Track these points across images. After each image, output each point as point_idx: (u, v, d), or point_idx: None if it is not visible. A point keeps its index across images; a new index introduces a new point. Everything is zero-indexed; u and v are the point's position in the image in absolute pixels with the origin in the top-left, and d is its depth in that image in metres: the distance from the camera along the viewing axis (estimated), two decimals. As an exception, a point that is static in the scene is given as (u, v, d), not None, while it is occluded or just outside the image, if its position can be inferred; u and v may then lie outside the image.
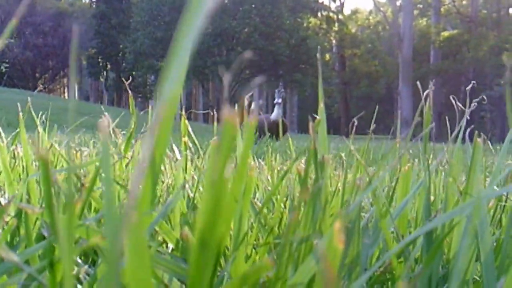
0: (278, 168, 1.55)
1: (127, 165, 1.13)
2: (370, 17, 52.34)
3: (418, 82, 0.89)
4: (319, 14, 43.40)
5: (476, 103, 0.82)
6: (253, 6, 35.46)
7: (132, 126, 1.29)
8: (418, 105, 0.83)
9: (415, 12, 44.49)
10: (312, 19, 42.09)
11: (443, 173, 1.03)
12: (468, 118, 0.82)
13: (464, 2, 46.01)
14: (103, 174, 0.31)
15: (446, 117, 1.00)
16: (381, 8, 47.89)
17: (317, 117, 0.74)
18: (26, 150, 0.95)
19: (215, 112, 1.64)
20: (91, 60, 47.15)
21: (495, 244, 0.76)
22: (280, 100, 9.11)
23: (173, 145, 1.26)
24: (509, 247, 0.67)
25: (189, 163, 1.22)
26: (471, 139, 0.79)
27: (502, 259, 0.67)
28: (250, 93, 0.68)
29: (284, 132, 8.37)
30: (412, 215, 0.94)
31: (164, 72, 0.34)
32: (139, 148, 1.21)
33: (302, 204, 0.63)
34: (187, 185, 1.00)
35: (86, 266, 0.69)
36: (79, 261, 0.72)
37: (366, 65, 46.24)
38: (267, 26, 35.10)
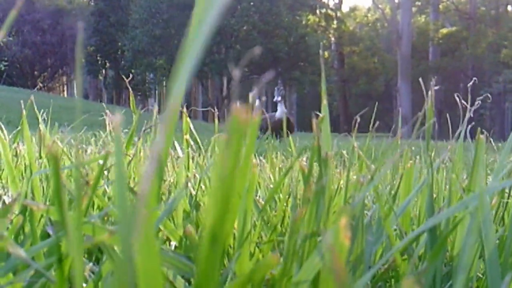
0: (280, 166, 1.55)
1: (129, 163, 1.13)
2: (369, 14, 52.31)
3: (420, 79, 0.89)
4: (317, 11, 43.38)
5: (480, 102, 0.82)
6: (251, 3, 35.43)
7: (134, 124, 1.29)
8: (417, 102, 0.84)
9: (414, 9, 44.48)
10: (310, 17, 42.07)
11: (445, 171, 1.03)
12: (469, 115, 0.82)
13: (462, -1, 46.03)
14: (115, 170, 0.31)
15: (446, 115, 1.00)
16: (380, 5, 47.90)
17: (320, 114, 0.74)
18: (30, 147, 0.95)
19: (215, 110, 1.64)
20: (89, 58, 47.08)
21: (498, 241, 0.76)
22: (279, 98, 9.01)
23: (175, 143, 1.26)
24: (512, 244, 0.67)
25: (190, 161, 1.23)
26: (472, 137, 0.79)
27: (506, 257, 0.67)
28: (254, 91, 0.68)
29: (291, 131, 8.25)
30: (414, 212, 0.95)
31: (174, 71, 0.34)
32: (140, 146, 1.21)
33: (307, 202, 0.63)
34: (189, 183, 1.00)
35: (90, 264, 0.69)
36: (84, 259, 0.73)
37: (365, 62, 46.23)
38: (265, 24, 35.08)
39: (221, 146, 0.32)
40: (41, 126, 1.31)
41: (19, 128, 1.26)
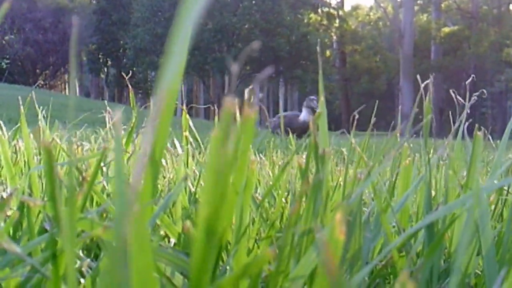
0: (280, 163, 1.55)
1: (128, 159, 1.13)
2: (371, 13, 52.28)
3: (418, 77, 0.89)
4: (319, 10, 43.38)
5: (476, 97, 0.82)
6: (253, 2, 35.43)
7: (133, 120, 1.29)
8: (419, 101, 0.83)
9: (416, 8, 44.45)
10: (312, 15, 42.06)
11: (444, 168, 1.03)
12: (469, 113, 0.82)
13: (465, -2, 45.98)
14: (114, 166, 0.31)
15: (447, 113, 1.00)
16: (382, 4, 47.84)
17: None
18: (28, 144, 0.95)
19: (216, 108, 1.64)
20: (91, 56, 47.12)
21: (496, 238, 0.76)
22: (314, 105, 8.55)
23: (175, 140, 1.26)
24: (510, 240, 0.67)
25: (190, 158, 1.23)
26: (471, 135, 0.79)
27: (503, 253, 0.67)
28: (251, 87, 0.68)
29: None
30: (413, 209, 0.95)
31: (163, 65, 0.34)
32: (140, 143, 1.21)
33: (303, 196, 0.63)
34: (188, 180, 1.00)
35: (88, 260, 0.69)
36: (82, 255, 0.73)
37: (367, 61, 46.20)
38: (267, 22, 35.07)
39: (213, 141, 0.32)
40: (41, 123, 1.31)
41: (19, 125, 1.26)
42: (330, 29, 45.64)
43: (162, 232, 0.92)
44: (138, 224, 0.30)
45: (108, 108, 1.39)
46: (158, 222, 0.80)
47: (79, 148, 1.30)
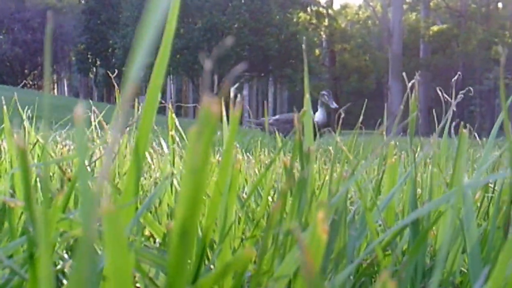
0: (266, 162, 1.55)
1: (113, 159, 1.12)
2: (360, 12, 52.37)
3: (404, 74, 0.89)
4: (308, 9, 43.40)
5: (462, 95, 0.82)
6: (242, 1, 35.42)
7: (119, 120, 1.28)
8: (408, 99, 0.83)
9: (405, 6, 44.53)
10: (301, 14, 42.08)
11: (430, 166, 1.03)
12: (458, 112, 0.82)
13: (453, -3, 46.11)
14: (78, 163, 0.31)
15: (436, 112, 1.00)
16: (371, 3, 47.92)
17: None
18: (11, 144, 0.94)
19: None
20: (80, 56, 46.96)
21: (482, 235, 0.76)
22: (335, 105, 8.20)
23: (161, 139, 1.25)
24: (495, 238, 0.67)
25: (177, 158, 1.22)
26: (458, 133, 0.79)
27: (488, 250, 0.67)
28: (236, 85, 0.67)
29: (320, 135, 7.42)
30: (399, 208, 0.94)
31: (132, 55, 0.33)
32: (126, 142, 1.20)
33: (287, 194, 0.62)
34: (175, 180, 0.99)
35: (71, 261, 0.68)
36: (66, 256, 0.72)
37: (356, 60, 46.29)
38: (256, 22, 35.06)
39: (191, 138, 0.32)
40: (26, 123, 1.30)
41: (3, 125, 1.25)
42: (320, 28, 45.69)
43: (147, 233, 0.91)
44: (111, 221, 0.30)
45: (93, 107, 1.38)
46: (143, 221, 0.79)
47: (64, 148, 1.29)
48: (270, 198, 0.95)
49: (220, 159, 0.86)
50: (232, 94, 0.67)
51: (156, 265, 0.60)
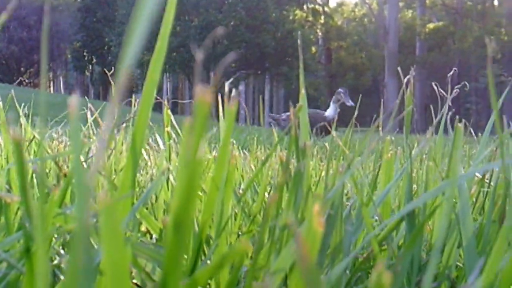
0: (263, 159, 1.55)
1: (109, 156, 1.12)
2: (356, 10, 52.38)
3: (400, 71, 0.89)
4: (305, 6, 43.40)
5: (458, 90, 0.82)
6: (239, -1, 35.41)
7: (115, 117, 1.28)
8: (405, 96, 0.83)
9: (401, 4, 44.57)
10: (298, 12, 42.05)
11: (426, 162, 1.03)
12: (454, 109, 0.82)
13: (449, -6, 46.13)
14: (72, 158, 0.31)
15: (432, 109, 1.00)
16: (367, 0, 47.96)
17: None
18: (7, 140, 0.94)
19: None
20: (76, 54, 46.88)
21: (477, 230, 0.76)
22: (351, 103, 8.01)
23: (157, 135, 1.25)
24: (490, 232, 0.67)
25: (173, 154, 1.22)
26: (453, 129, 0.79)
27: (484, 244, 0.67)
28: (230, 80, 0.68)
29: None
30: (395, 204, 0.94)
31: (124, 51, 0.33)
32: (122, 139, 1.20)
33: (283, 188, 0.63)
34: (171, 176, 0.99)
35: (68, 256, 0.68)
36: (62, 251, 0.72)
37: (352, 57, 46.31)
38: (253, 19, 35.03)
39: (185, 130, 0.32)
40: (22, 120, 1.30)
41: (-1, 122, 1.25)
42: (316, 26, 45.68)
43: (143, 228, 0.91)
44: (108, 214, 0.30)
45: (89, 105, 1.38)
46: (139, 217, 0.80)
47: (60, 145, 1.29)
48: (266, 194, 0.95)
49: (216, 155, 0.86)
50: (227, 89, 0.67)
51: (153, 260, 0.60)
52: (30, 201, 0.37)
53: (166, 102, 1.10)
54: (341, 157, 0.86)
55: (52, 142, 1.52)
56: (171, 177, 0.99)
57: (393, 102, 0.84)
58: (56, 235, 0.69)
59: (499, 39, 37.89)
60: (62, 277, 0.67)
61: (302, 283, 0.36)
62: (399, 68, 0.89)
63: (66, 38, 46.49)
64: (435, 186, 0.77)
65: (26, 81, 47.06)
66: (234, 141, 2.09)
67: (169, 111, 1.08)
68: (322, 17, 45.88)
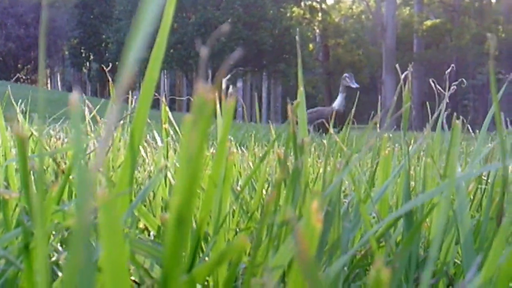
0: (260, 155, 1.55)
1: (107, 152, 1.12)
2: (353, 7, 52.34)
3: (398, 67, 0.89)
4: (302, 3, 43.37)
5: (455, 87, 0.82)
6: (236, -4, 35.38)
7: (114, 114, 1.28)
8: (402, 93, 0.83)
9: (398, 1, 44.56)
10: (295, 9, 42.03)
11: (423, 159, 1.03)
12: (451, 106, 0.82)
13: (446, -9, 46.11)
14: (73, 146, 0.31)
15: (430, 107, 1.00)
16: (364, -2, 47.92)
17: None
18: (4, 136, 0.94)
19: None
20: (73, 50, 46.81)
21: (475, 227, 0.76)
22: (356, 84, 7.84)
23: (155, 132, 1.25)
24: (488, 229, 0.67)
25: (171, 151, 1.22)
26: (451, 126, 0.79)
27: (481, 241, 0.67)
28: (227, 77, 0.68)
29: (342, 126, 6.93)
30: (393, 200, 0.94)
31: (126, 49, 0.33)
32: (119, 135, 1.20)
33: (281, 185, 0.63)
34: (169, 173, 0.99)
35: (66, 253, 0.68)
36: (60, 248, 0.72)
37: (350, 54, 46.27)
38: (250, 16, 35.01)
39: (186, 127, 0.32)
40: (19, 117, 1.30)
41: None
42: (313, 23, 45.65)
43: (141, 225, 0.91)
44: (107, 210, 0.30)
45: (87, 102, 1.38)
46: (137, 214, 0.80)
47: (58, 141, 1.29)
48: (264, 191, 0.95)
49: (214, 152, 0.86)
50: (224, 86, 0.67)
51: (151, 257, 0.60)
52: (31, 194, 0.37)
53: (164, 99, 1.10)
54: (339, 154, 0.87)
55: (50, 139, 1.52)
56: (169, 174, 0.99)
57: (391, 99, 0.84)
58: (54, 232, 0.69)
59: (497, 36, 37.88)
60: (60, 274, 0.67)
61: (301, 278, 0.36)
62: (397, 66, 0.89)
63: (63, 35, 46.41)
64: (433, 183, 0.77)
65: (24, 78, 46.98)
66: (232, 138, 2.09)
67: (167, 108, 1.08)
68: (320, 14, 45.85)
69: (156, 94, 1.17)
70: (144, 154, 1.32)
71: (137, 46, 0.33)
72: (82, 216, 0.27)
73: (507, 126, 0.87)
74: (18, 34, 43.84)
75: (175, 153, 1.28)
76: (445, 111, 0.84)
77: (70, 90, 51.57)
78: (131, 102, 1.26)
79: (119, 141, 1.21)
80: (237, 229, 0.86)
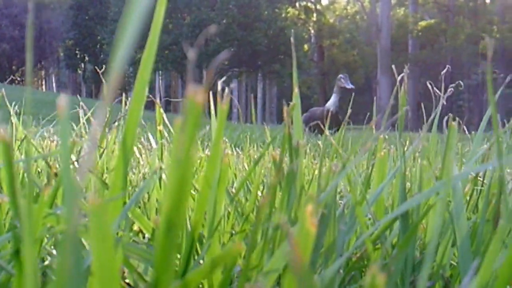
0: (255, 157, 1.54)
1: (101, 155, 1.11)
2: (348, 7, 52.39)
3: (394, 68, 0.89)
4: (297, 4, 43.42)
5: (452, 89, 0.82)
6: (231, -4, 35.38)
7: (107, 116, 1.28)
8: (398, 95, 0.83)
9: (393, 1, 44.64)
10: (290, 10, 42.07)
11: (419, 160, 1.03)
12: (446, 107, 0.82)
13: (441, -8, 46.19)
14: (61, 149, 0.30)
15: (425, 107, 1.00)
16: (359, -2, 47.99)
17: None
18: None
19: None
20: (68, 52, 46.76)
21: (471, 229, 0.76)
22: (351, 86, 7.72)
23: (149, 134, 1.25)
24: (485, 231, 0.67)
25: (166, 152, 1.21)
26: (447, 127, 0.79)
27: (478, 244, 0.67)
28: (222, 79, 0.67)
29: (337, 126, 6.60)
30: (389, 202, 0.94)
31: (115, 49, 0.33)
32: (114, 138, 1.20)
33: (276, 187, 0.62)
34: (163, 175, 0.99)
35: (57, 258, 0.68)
36: (54, 252, 0.71)
37: (345, 55, 46.30)
38: (245, 17, 35.03)
39: (176, 129, 0.31)
40: (13, 119, 1.29)
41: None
42: (308, 23, 45.70)
43: (136, 228, 0.90)
44: (97, 215, 0.29)
45: (81, 103, 1.37)
46: (131, 216, 0.79)
47: (52, 143, 1.28)
48: (259, 193, 0.94)
49: (208, 153, 0.86)
50: (219, 87, 0.67)
51: (144, 260, 0.60)
52: (19, 202, 0.36)
53: (158, 101, 1.10)
54: (334, 156, 0.86)
55: (44, 141, 1.51)
56: (163, 176, 0.99)
57: (386, 100, 0.84)
58: (47, 235, 0.69)
59: (491, 36, 37.99)
60: (53, 278, 0.67)
61: (295, 285, 0.35)
62: (393, 66, 0.89)
63: (58, 36, 46.38)
64: (429, 185, 0.77)
65: (18, 79, 46.90)
66: (227, 140, 2.08)
67: (161, 110, 1.08)
68: (315, 14, 45.90)
69: (151, 96, 1.17)
70: (139, 156, 1.32)
71: (125, 49, 0.32)
72: (71, 220, 0.27)
73: (503, 126, 0.86)
74: (12, 35, 43.78)
75: (170, 154, 1.27)
76: (437, 109, 0.84)
77: (65, 91, 51.41)
78: (125, 103, 1.26)
79: (114, 143, 1.21)
80: (232, 232, 0.86)
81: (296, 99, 0.72)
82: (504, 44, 38.44)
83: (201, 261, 0.71)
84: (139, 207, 1.00)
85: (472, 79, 37.19)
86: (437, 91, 0.86)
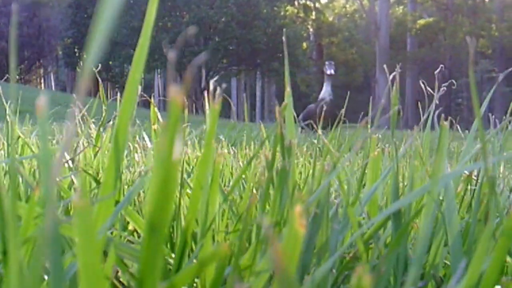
0: (251, 155, 1.54)
1: (96, 153, 1.11)
2: (347, 5, 52.38)
3: (396, 67, 0.89)
4: (296, 2, 43.41)
5: (445, 88, 0.81)
6: (230, -6, 35.37)
7: (104, 114, 1.28)
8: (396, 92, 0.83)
9: (391, 0, 44.63)
10: (289, 8, 42.05)
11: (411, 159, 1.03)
12: (445, 105, 0.82)
13: (440, -10, 46.19)
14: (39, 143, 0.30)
15: (424, 105, 0.99)
16: (358, -4, 47.97)
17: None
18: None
19: (193, 101, 1.63)
20: (67, 50, 46.71)
21: (463, 228, 0.76)
22: (331, 71, 7.43)
23: (144, 133, 1.25)
24: (476, 231, 0.67)
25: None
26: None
27: (469, 243, 0.67)
28: (215, 79, 0.67)
29: (331, 120, 6.41)
30: (383, 201, 0.94)
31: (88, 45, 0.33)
32: (109, 136, 1.20)
33: (269, 187, 0.62)
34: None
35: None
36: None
37: (344, 53, 46.27)
38: (244, 15, 34.99)
39: (160, 130, 0.31)
40: (9, 117, 1.29)
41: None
42: (307, 22, 45.69)
43: (131, 227, 0.90)
44: (83, 217, 0.29)
45: (77, 102, 1.37)
46: (124, 214, 0.79)
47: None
48: (254, 191, 0.94)
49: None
50: (211, 87, 0.67)
51: (136, 260, 0.60)
52: (2, 203, 0.36)
53: (152, 100, 1.10)
54: (327, 155, 0.86)
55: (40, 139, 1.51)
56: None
57: (385, 98, 0.84)
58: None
59: (490, 34, 38.04)
60: (46, 277, 0.66)
61: None
62: (385, 66, 0.89)
63: (57, 35, 46.31)
64: (421, 184, 0.77)
65: (17, 77, 46.82)
66: (224, 138, 2.08)
67: (155, 109, 1.08)
68: (314, 13, 45.88)
69: (150, 94, 1.17)
70: (134, 155, 1.32)
71: (96, 47, 0.32)
72: (48, 221, 0.27)
73: (495, 126, 0.86)
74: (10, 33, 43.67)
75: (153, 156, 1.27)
76: (438, 110, 0.84)
77: (64, 89, 51.47)
78: (120, 102, 1.26)
79: (109, 141, 1.21)
80: (227, 230, 0.86)
81: (288, 99, 0.72)
82: (502, 43, 38.47)
83: (195, 260, 0.71)
84: (134, 205, 1.00)
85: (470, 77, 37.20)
86: (431, 90, 0.85)
